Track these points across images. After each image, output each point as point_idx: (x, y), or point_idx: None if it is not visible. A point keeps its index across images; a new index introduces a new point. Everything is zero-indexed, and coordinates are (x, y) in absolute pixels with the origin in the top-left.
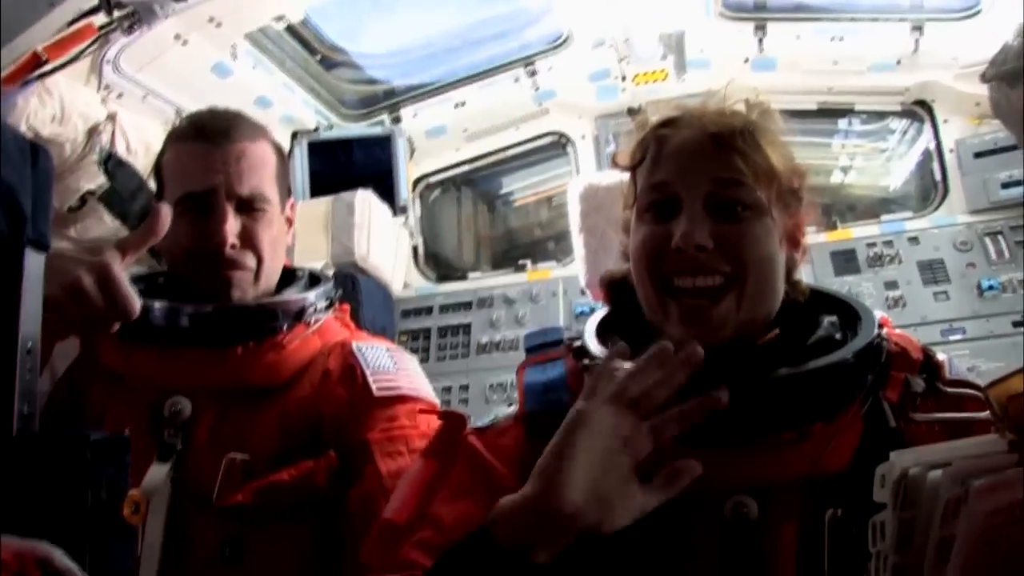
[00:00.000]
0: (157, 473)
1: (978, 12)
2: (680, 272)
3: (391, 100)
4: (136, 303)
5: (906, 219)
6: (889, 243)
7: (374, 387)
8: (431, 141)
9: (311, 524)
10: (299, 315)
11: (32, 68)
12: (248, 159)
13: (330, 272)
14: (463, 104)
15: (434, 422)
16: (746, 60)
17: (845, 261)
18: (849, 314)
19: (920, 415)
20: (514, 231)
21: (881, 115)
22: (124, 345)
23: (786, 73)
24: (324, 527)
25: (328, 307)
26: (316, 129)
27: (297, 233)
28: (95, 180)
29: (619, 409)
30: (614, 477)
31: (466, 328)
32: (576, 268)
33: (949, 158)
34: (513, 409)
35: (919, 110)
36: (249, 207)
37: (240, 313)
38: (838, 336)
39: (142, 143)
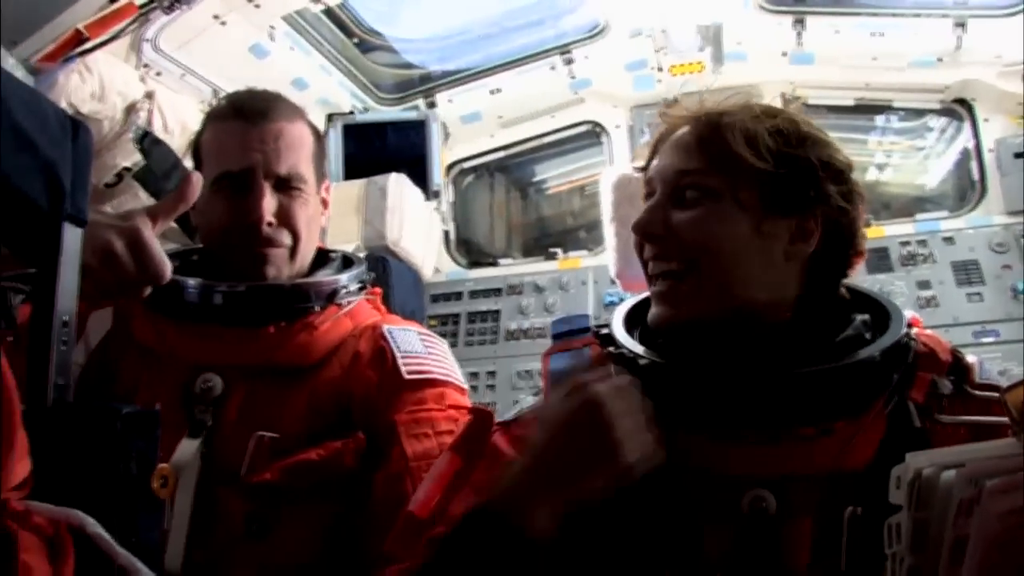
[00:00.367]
0: (187, 448)
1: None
2: (650, 258)
3: (427, 85)
4: (167, 266)
5: (941, 218)
6: (923, 242)
7: (404, 370)
8: (466, 127)
9: (337, 504)
10: (332, 296)
11: (73, 45)
12: (286, 139)
13: (362, 255)
14: (499, 91)
15: (464, 402)
16: (784, 54)
17: (878, 259)
18: (881, 313)
19: (947, 417)
20: (546, 219)
21: (920, 112)
22: (157, 321)
23: (824, 68)
24: (350, 508)
25: (360, 289)
26: (351, 112)
27: (330, 215)
28: (131, 157)
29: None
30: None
31: (495, 314)
32: (607, 258)
33: (988, 158)
34: (539, 399)
35: (959, 108)
36: (286, 186)
37: (273, 292)
38: (867, 335)
39: (179, 122)
